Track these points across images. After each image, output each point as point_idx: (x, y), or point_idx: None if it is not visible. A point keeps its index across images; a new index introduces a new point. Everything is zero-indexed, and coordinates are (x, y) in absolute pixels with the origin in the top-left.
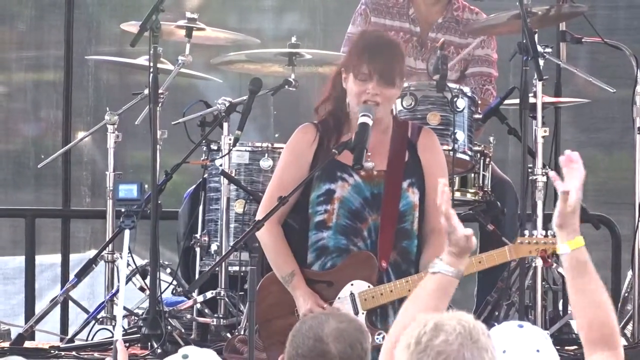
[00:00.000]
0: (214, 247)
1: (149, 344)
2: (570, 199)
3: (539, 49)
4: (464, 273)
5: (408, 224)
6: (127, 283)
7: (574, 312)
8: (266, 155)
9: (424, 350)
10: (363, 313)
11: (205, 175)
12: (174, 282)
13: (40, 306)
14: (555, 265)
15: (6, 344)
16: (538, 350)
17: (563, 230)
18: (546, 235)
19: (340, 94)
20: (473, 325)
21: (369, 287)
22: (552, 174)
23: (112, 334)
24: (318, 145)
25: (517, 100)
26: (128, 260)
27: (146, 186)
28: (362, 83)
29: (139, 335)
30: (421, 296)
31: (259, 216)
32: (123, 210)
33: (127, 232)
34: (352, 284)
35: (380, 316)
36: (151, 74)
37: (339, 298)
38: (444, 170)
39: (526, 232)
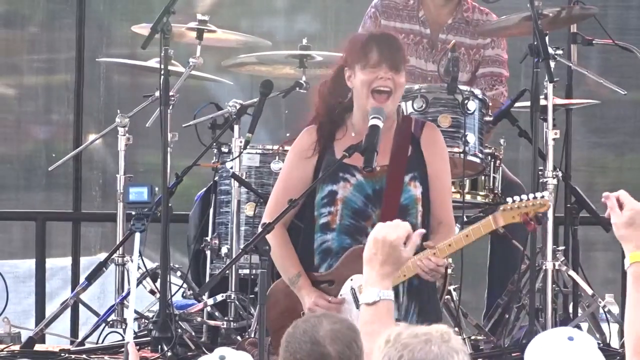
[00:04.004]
0: (224, 250)
1: (160, 347)
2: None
3: (550, 50)
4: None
5: (412, 217)
6: (137, 286)
7: (625, 321)
8: (277, 157)
9: (392, 345)
10: None
11: (216, 178)
12: (185, 285)
13: (50, 309)
14: (565, 268)
15: (17, 347)
16: None
17: (624, 243)
18: (527, 199)
19: (337, 94)
20: (447, 331)
21: None
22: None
23: (123, 337)
24: (322, 147)
25: (528, 103)
26: (138, 263)
27: (156, 189)
28: (373, 70)
29: (149, 338)
30: (376, 330)
31: (265, 219)
32: (134, 213)
33: (137, 235)
34: (351, 279)
35: None
36: (162, 76)
37: (341, 295)
38: (446, 164)
39: (509, 199)
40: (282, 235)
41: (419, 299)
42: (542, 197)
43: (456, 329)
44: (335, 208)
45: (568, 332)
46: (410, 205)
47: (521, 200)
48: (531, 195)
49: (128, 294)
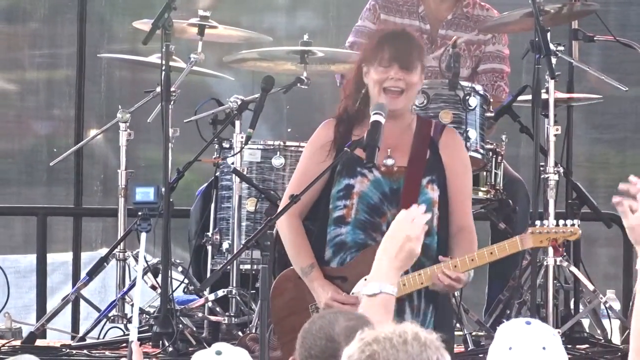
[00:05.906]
0: (225, 245)
1: (161, 342)
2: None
3: (552, 47)
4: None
5: (428, 220)
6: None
7: (633, 322)
8: (278, 153)
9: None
10: None
11: (217, 174)
12: (186, 281)
13: (51, 304)
14: (567, 264)
15: (18, 342)
16: (544, 348)
17: (637, 245)
18: (557, 225)
19: (358, 90)
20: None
21: None
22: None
23: (124, 332)
24: (339, 145)
25: (529, 98)
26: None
27: (163, 190)
28: (384, 70)
29: (150, 333)
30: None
31: None
32: (140, 213)
33: (143, 236)
34: (365, 279)
35: (396, 312)
36: (163, 72)
37: (352, 293)
38: (467, 168)
39: (537, 223)
40: (297, 226)
41: (435, 302)
42: (573, 225)
43: (457, 324)
44: (351, 202)
45: (526, 319)
46: (427, 208)
47: (550, 225)
48: (561, 222)
49: (129, 289)
